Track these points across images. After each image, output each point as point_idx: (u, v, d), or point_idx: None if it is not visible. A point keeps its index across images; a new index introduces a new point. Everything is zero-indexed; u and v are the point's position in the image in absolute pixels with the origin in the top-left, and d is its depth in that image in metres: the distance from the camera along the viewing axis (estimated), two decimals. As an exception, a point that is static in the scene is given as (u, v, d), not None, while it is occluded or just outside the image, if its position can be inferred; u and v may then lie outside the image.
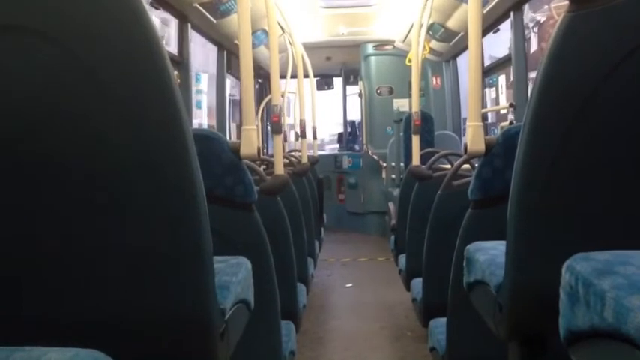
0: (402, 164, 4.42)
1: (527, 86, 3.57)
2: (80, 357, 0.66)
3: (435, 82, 6.13)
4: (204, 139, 1.58)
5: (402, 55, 5.91)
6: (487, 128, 4.74)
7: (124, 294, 0.91)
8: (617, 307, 0.64)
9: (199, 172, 0.91)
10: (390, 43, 6.37)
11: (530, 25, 3.55)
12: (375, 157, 6.40)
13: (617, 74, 0.93)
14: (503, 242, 1.11)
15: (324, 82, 8.25)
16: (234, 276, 1.12)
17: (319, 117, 4.93)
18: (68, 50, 0.82)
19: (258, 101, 6.03)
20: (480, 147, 1.69)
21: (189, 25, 3.69)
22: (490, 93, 4.61)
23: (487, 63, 4.44)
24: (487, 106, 4.54)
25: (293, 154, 4.67)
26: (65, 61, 0.83)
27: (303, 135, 4.00)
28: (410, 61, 4.00)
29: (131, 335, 0.92)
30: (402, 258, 3.30)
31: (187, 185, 0.89)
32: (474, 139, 1.72)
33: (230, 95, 5.46)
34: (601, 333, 0.68)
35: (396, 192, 4.10)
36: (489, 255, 1.28)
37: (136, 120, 0.85)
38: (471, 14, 1.82)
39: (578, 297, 0.73)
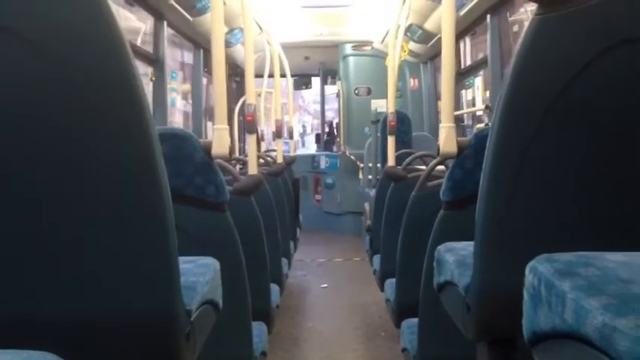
0: (378, 165, 4.42)
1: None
2: None
3: (412, 83, 6.15)
4: (175, 137, 1.56)
5: (380, 55, 5.92)
6: (464, 130, 4.78)
7: (85, 293, 0.89)
8: (577, 308, 0.64)
9: (164, 171, 0.90)
10: (369, 43, 6.38)
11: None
12: (353, 157, 6.41)
13: (585, 76, 0.94)
14: (473, 243, 1.11)
15: (302, 81, 8.25)
16: (201, 277, 1.11)
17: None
18: (30, 44, 0.80)
19: (236, 100, 5.99)
20: (452, 148, 1.69)
21: (165, 23, 3.65)
22: (467, 94, 4.64)
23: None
24: (464, 108, 4.57)
25: (269, 153, 4.65)
26: (27, 56, 0.81)
27: (279, 135, 3.98)
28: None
29: (91, 336, 0.90)
30: (377, 258, 3.31)
31: (152, 184, 0.88)
32: (446, 140, 1.73)
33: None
34: (562, 334, 0.68)
35: (372, 192, 4.10)
36: (459, 256, 1.28)
37: (99, 118, 0.84)
38: (444, 16, 1.83)
39: (541, 298, 0.73)
